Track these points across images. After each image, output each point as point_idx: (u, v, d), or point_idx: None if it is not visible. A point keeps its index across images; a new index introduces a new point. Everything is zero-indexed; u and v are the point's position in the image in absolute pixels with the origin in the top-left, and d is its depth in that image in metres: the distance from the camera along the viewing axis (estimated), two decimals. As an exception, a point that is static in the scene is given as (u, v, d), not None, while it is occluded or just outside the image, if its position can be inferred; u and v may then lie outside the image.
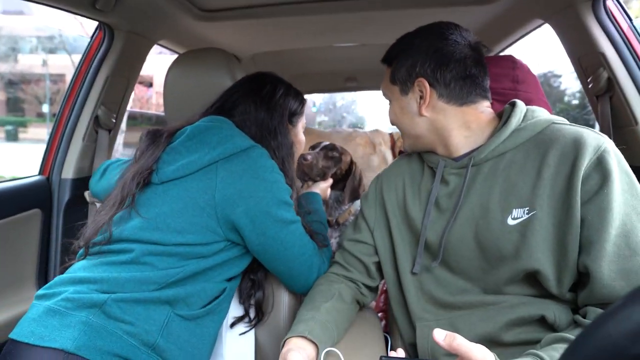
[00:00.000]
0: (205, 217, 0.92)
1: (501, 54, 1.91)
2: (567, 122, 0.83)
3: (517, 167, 0.81)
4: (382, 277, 1.02)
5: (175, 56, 1.35)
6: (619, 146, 0.79)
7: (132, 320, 0.83)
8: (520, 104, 0.87)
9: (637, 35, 1.22)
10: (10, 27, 18.72)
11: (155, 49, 1.69)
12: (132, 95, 1.64)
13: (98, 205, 1.20)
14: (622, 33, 1.21)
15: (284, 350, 0.79)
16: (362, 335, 0.98)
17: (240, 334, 1.05)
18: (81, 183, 1.43)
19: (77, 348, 0.77)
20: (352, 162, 1.58)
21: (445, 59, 0.86)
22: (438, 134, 0.90)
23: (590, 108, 1.36)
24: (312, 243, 1.04)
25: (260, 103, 1.07)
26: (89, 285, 0.85)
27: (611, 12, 1.21)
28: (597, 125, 1.33)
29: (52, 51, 18.77)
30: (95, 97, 1.43)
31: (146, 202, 0.94)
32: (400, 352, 0.73)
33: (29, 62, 18.88)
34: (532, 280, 0.79)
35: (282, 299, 1.09)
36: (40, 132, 17.04)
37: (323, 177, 1.43)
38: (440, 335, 0.64)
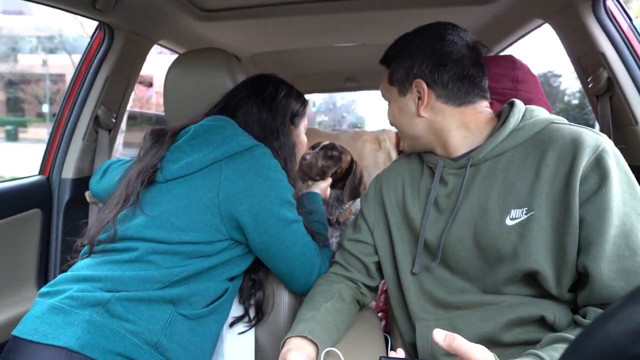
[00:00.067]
0: (209, 215, 0.92)
1: (501, 54, 1.91)
2: (566, 122, 0.83)
3: (515, 167, 0.81)
4: (382, 277, 1.02)
5: (175, 56, 1.35)
6: (619, 146, 0.78)
7: (136, 319, 0.83)
8: (518, 103, 0.87)
9: (637, 35, 1.22)
10: (10, 27, 18.71)
11: (155, 49, 1.69)
12: (132, 95, 1.64)
13: (99, 205, 1.20)
14: (622, 33, 1.21)
15: (283, 350, 0.79)
16: (362, 335, 0.98)
17: (239, 333, 1.05)
18: (81, 183, 1.43)
19: (81, 346, 0.77)
20: (352, 161, 1.58)
21: (443, 59, 0.85)
22: (436, 134, 0.90)
23: (590, 108, 1.36)
24: (313, 243, 1.04)
25: (263, 104, 1.08)
26: (93, 283, 0.85)
27: (611, 12, 1.21)
28: (597, 125, 1.33)
29: (52, 51, 18.75)
30: (95, 97, 1.43)
31: (150, 200, 0.94)
32: (400, 352, 0.73)
33: (29, 62, 18.86)
34: (532, 280, 0.78)
35: (282, 299, 1.09)
36: (40, 132, 17.03)
37: (323, 177, 1.43)
38: (440, 336, 0.63)
